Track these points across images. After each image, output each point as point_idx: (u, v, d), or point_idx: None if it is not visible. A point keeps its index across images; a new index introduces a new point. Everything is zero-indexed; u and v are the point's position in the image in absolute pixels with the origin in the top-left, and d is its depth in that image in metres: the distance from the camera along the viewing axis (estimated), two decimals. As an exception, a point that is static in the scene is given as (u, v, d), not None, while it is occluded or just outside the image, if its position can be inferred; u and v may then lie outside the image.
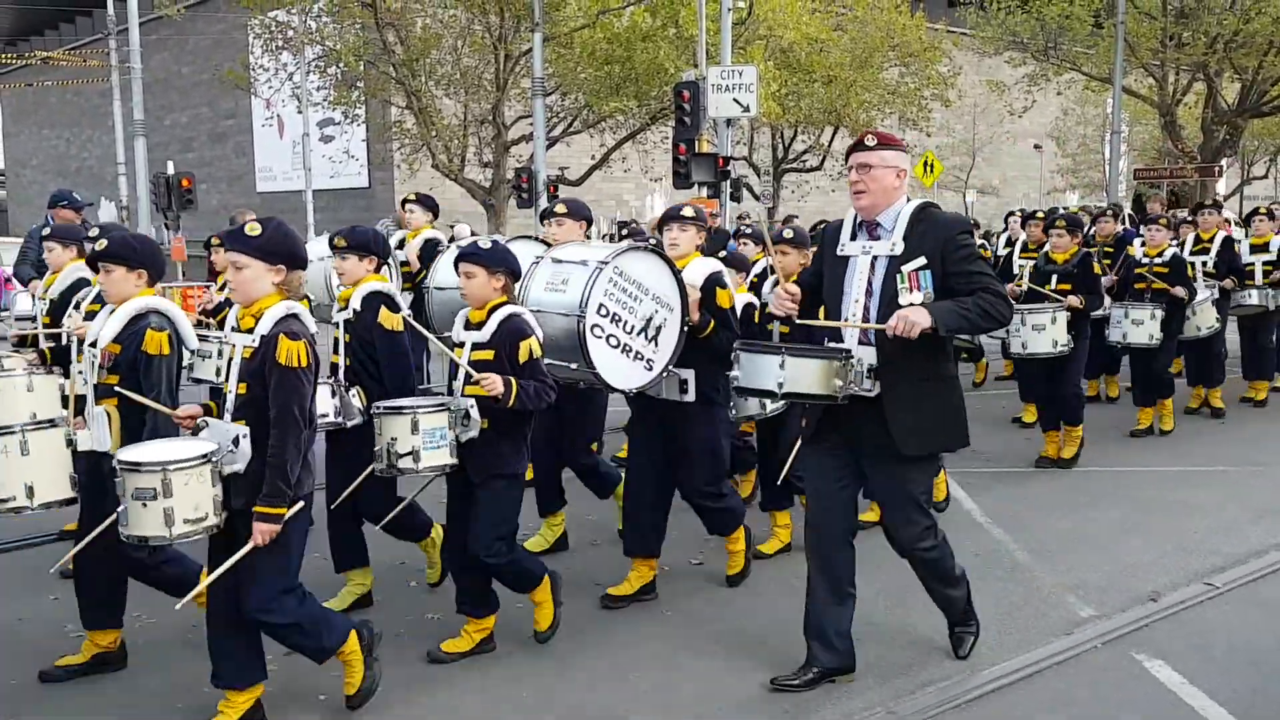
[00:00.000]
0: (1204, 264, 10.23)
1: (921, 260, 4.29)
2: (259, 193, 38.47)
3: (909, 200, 4.44)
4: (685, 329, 5.26)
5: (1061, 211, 10.58)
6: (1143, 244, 9.91)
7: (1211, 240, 10.39)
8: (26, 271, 8.81)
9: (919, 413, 4.38)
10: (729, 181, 19.15)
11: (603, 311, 5.03)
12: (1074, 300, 8.08)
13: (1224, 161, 28.28)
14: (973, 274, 4.29)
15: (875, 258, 4.39)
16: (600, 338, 5.03)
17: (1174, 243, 9.99)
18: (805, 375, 4.32)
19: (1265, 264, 10.60)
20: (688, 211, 5.84)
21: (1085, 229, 9.87)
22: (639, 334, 5.15)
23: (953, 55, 29.59)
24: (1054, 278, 8.23)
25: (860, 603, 4.67)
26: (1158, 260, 9.38)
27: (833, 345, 4.46)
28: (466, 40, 22.04)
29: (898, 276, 4.29)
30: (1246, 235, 11.13)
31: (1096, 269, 8.36)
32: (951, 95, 29.35)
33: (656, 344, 5.21)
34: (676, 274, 5.25)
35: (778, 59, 23.57)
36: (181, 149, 40.87)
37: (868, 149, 4.39)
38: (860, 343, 4.42)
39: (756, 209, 27.52)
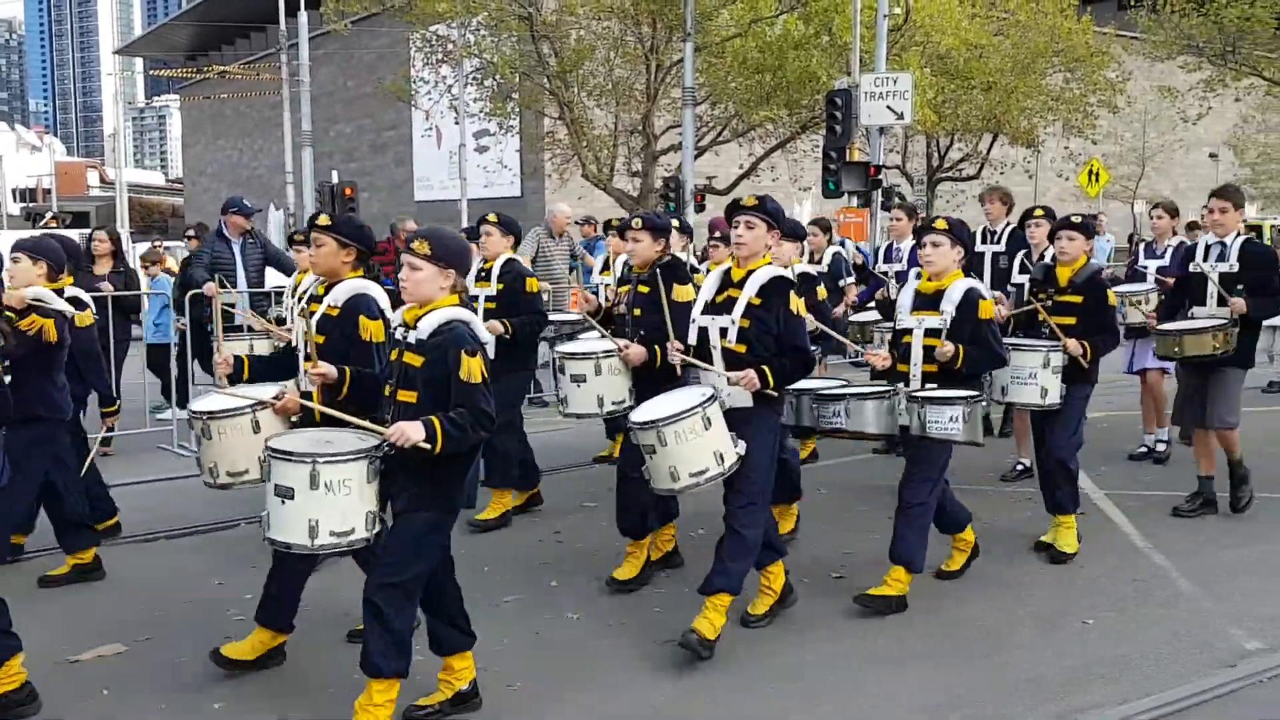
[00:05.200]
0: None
1: None
2: (416, 201, 39.65)
3: None
4: None
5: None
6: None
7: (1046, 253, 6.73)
8: (201, 275, 9.29)
9: None
10: (880, 190, 18.82)
11: None
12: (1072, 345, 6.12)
13: None
14: None
15: None
16: None
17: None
18: None
19: (1224, 276, 6.81)
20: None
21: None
22: None
23: (1122, 60, 28.37)
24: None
25: (1010, 625, 4.46)
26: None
27: None
28: (619, 51, 22.26)
29: None
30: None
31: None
32: (1120, 101, 28.15)
33: None
34: None
35: (934, 65, 23.04)
36: (345, 159, 42.47)
37: None
38: None
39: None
